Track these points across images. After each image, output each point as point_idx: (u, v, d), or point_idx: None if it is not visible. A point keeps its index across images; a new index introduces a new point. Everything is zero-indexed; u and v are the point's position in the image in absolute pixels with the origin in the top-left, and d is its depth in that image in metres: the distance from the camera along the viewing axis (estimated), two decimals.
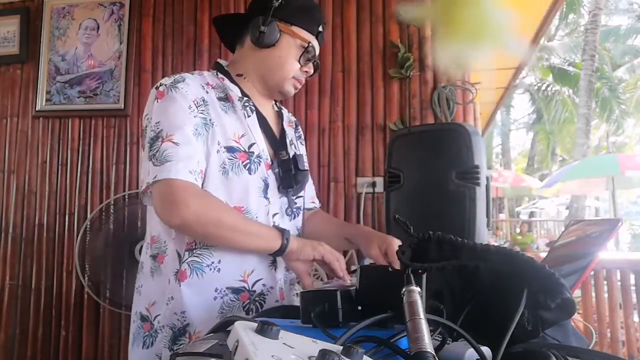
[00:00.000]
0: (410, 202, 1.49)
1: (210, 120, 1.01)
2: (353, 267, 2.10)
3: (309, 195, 1.32)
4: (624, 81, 15.19)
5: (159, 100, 1.01)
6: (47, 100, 2.55)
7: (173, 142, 0.95)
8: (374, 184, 2.26)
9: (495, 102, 5.30)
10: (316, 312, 0.56)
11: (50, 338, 2.43)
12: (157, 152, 0.95)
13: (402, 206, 1.51)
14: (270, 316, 0.73)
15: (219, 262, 1.00)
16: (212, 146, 1.00)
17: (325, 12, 2.39)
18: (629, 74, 15.21)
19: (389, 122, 2.29)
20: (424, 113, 2.27)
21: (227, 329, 0.50)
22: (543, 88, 15.67)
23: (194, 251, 1.00)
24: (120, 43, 2.52)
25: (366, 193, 2.26)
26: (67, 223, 2.48)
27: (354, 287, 0.61)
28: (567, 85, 15.13)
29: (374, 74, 2.34)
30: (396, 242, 1.11)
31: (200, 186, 0.98)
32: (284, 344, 0.39)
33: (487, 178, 1.38)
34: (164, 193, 0.94)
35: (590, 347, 0.82)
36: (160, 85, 1.02)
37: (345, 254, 2.21)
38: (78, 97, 2.53)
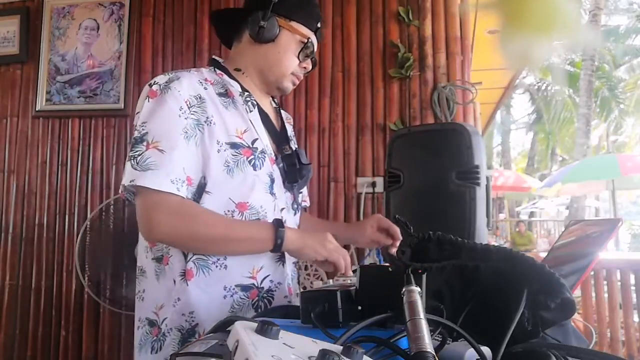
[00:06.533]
0: (410, 202, 1.49)
1: (207, 118, 0.99)
2: (353, 267, 2.10)
3: (303, 194, 1.31)
4: (624, 81, 15.19)
5: (150, 99, 0.98)
6: (47, 100, 2.55)
7: (159, 150, 0.92)
8: (374, 184, 2.26)
9: (495, 102, 5.30)
10: (316, 312, 0.56)
11: (50, 338, 2.44)
12: (139, 156, 0.92)
13: (402, 206, 1.50)
14: (270, 316, 0.73)
15: (225, 259, 0.98)
16: (212, 146, 0.97)
17: (325, 12, 2.39)
18: (629, 73, 15.21)
19: (389, 122, 2.29)
20: (424, 113, 2.27)
21: (227, 329, 0.50)
22: (543, 88, 15.68)
23: None
24: (120, 43, 2.52)
25: (366, 193, 2.26)
26: (67, 223, 2.48)
27: (354, 287, 0.61)
28: (567, 85, 15.13)
29: (374, 74, 2.34)
30: (381, 216, 1.16)
31: (190, 192, 0.95)
32: (284, 344, 0.39)
33: (487, 178, 1.38)
34: (141, 209, 0.94)
35: (590, 347, 0.82)
36: (154, 84, 1.00)
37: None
38: (78, 97, 2.53)
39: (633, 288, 2.71)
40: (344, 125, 2.34)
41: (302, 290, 1.25)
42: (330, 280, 1.03)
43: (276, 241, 0.96)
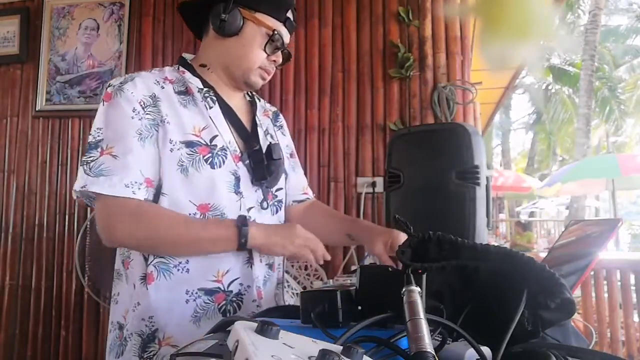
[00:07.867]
0: (410, 202, 1.49)
1: (162, 118, 0.96)
2: (353, 267, 2.10)
3: (300, 187, 1.27)
4: (624, 81, 15.19)
5: (105, 102, 0.96)
6: (47, 100, 2.55)
7: (112, 155, 0.90)
8: (374, 184, 2.26)
9: (495, 102, 5.30)
10: (316, 312, 0.56)
11: (50, 338, 2.44)
12: (92, 162, 0.91)
13: (402, 206, 1.50)
14: (270, 316, 0.73)
15: (187, 262, 0.95)
16: (164, 145, 0.95)
17: (325, 12, 2.39)
18: (629, 73, 15.22)
19: (389, 122, 2.29)
20: (424, 113, 2.27)
21: (227, 329, 0.50)
22: (543, 88, 15.67)
23: None
24: (120, 43, 2.52)
25: (366, 193, 2.27)
26: (67, 223, 2.48)
27: (354, 287, 0.61)
28: (567, 85, 15.13)
29: (374, 74, 2.35)
30: (402, 236, 1.04)
31: (151, 194, 0.94)
32: (284, 344, 0.39)
33: (487, 178, 1.38)
34: (99, 214, 0.92)
35: (590, 347, 0.82)
36: (109, 87, 0.98)
37: (345, 253, 2.22)
38: (78, 97, 2.53)
39: (633, 288, 2.71)
40: (344, 125, 2.34)
41: (302, 290, 1.25)
42: (331, 280, 1.03)
43: (240, 240, 0.92)
